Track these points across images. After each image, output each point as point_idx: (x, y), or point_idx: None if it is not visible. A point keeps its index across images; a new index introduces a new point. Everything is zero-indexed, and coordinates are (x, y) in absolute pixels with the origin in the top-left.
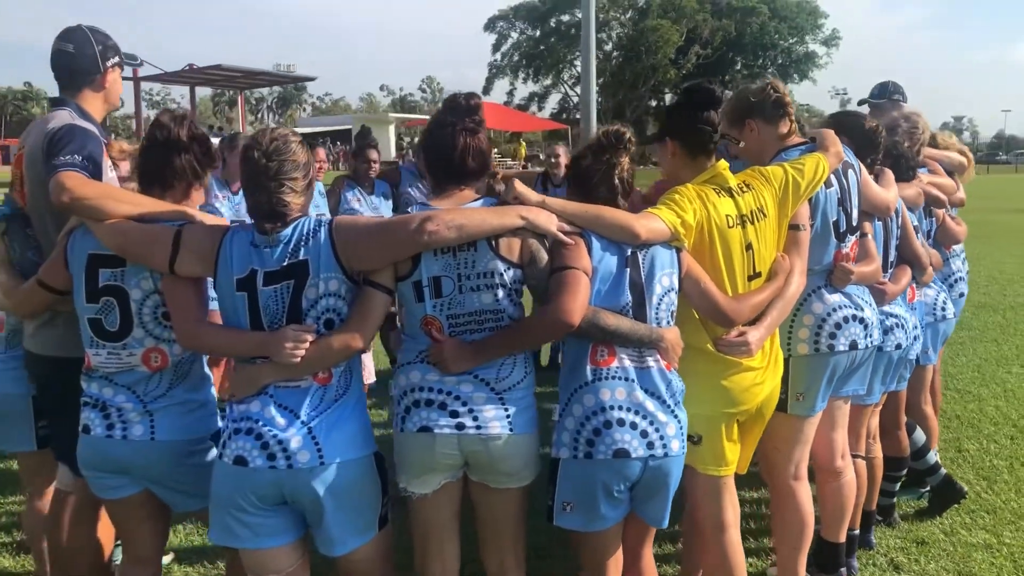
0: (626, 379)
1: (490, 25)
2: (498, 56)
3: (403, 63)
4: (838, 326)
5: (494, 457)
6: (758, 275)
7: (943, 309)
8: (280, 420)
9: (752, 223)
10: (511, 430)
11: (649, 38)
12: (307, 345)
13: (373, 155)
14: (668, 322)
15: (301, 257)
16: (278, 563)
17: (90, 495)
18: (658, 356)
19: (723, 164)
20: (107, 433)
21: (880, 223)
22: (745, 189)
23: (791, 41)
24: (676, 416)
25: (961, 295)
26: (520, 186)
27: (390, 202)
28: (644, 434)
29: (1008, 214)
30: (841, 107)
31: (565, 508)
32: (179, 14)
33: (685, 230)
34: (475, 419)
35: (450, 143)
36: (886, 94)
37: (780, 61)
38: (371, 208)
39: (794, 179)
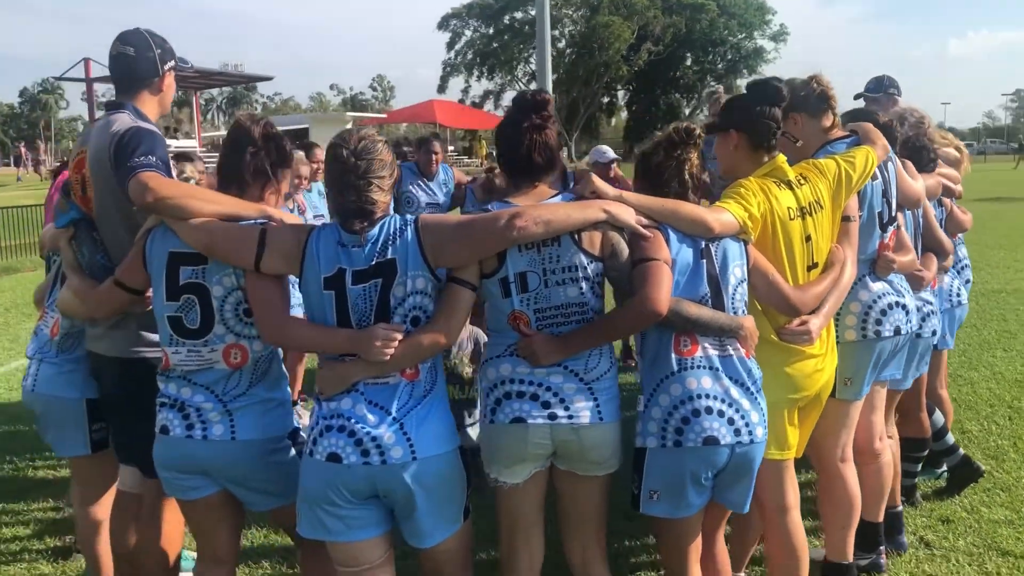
0: (711, 368)
1: (444, 23)
2: (452, 54)
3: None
4: (883, 313)
5: (584, 446)
6: (815, 265)
7: (958, 295)
8: (371, 417)
9: (810, 215)
10: (600, 419)
11: (601, 35)
12: (397, 343)
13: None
14: (743, 312)
15: (389, 256)
16: (369, 555)
17: (159, 497)
18: (737, 344)
19: (782, 158)
20: (187, 433)
21: (909, 213)
22: (803, 182)
23: (740, 37)
24: (758, 403)
25: (968, 281)
26: (598, 181)
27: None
28: (731, 421)
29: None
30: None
31: (652, 496)
32: (115, 13)
33: (752, 223)
34: (566, 409)
35: (518, 140)
36: (882, 88)
37: (730, 57)
38: (311, 204)
39: (846, 172)
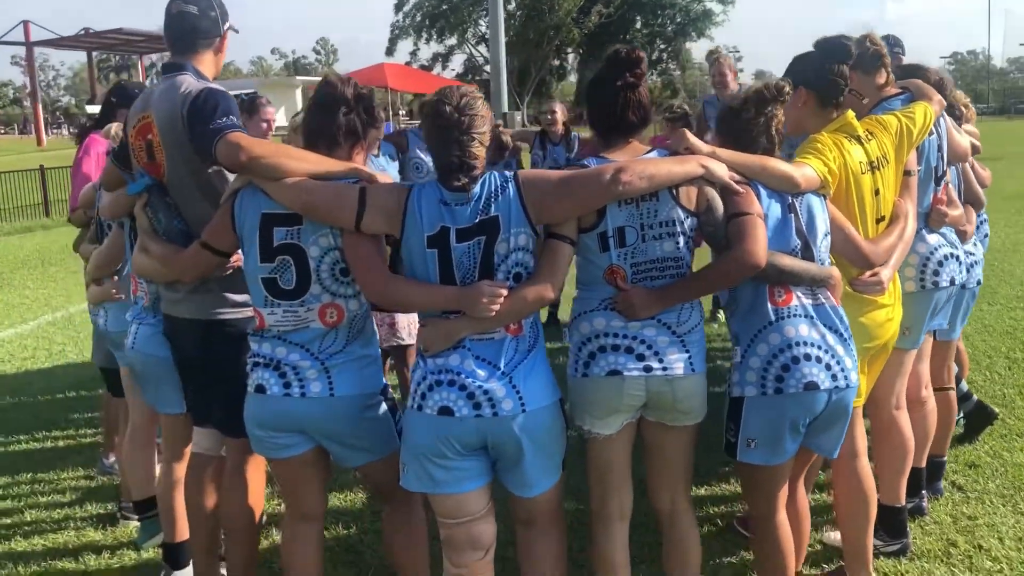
0: (806, 316)
1: None
2: (400, 16)
3: (293, 26)
4: (940, 264)
5: (678, 396)
6: (882, 218)
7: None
8: (481, 372)
9: (878, 169)
10: (692, 370)
11: None
12: (502, 299)
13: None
14: (829, 263)
15: (492, 213)
16: (474, 505)
17: (244, 456)
18: (828, 293)
19: (851, 114)
20: (284, 392)
21: (953, 168)
22: (870, 137)
23: (688, 0)
24: (851, 349)
25: (986, 236)
26: (692, 137)
27: (396, 164)
28: (828, 367)
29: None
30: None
31: (749, 444)
32: None
33: (831, 177)
34: (660, 361)
35: (612, 98)
36: (888, 48)
37: (679, 20)
38: (379, 168)
39: (907, 127)
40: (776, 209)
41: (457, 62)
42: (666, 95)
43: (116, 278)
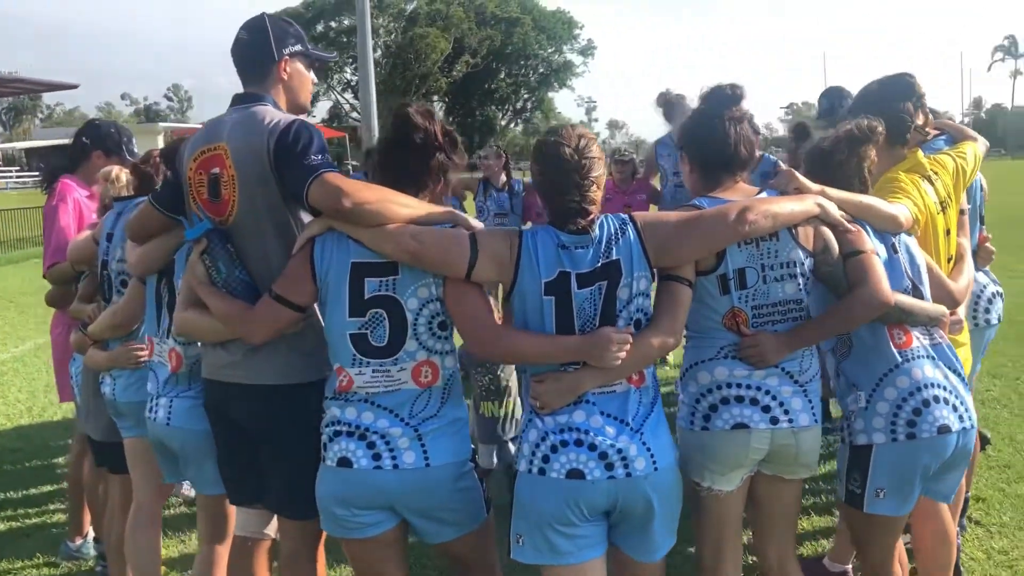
0: (928, 356)
1: None
2: None
3: (143, 72)
4: (990, 301)
5: (801, 449)
6: (950, 258)
7: None
8: (610, 429)
9: (947, 209)
10: (815, 420)
11: (418, 46)
12: (628, 347)
13: None
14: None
15: (613, 256)
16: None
17: (303, 543)
18: (942, 332)
19: (920, 153)
20: (375, 464)
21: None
22: (936, 177)
23: (550, 51)
24: (967, 388)
25: None
26: (800, 176)
27: None
28: (955, 408)
29: None
30: (587, 114)
31: (878, 495)
32: None
33: (921, 217)
34: (786, 412)
35: (722, 134)
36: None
37: (541, 70)
38: None
39: (962, 166)
40: (882, 249)
41: (322, 108)
42: (530, 145)
43: (133, 342)
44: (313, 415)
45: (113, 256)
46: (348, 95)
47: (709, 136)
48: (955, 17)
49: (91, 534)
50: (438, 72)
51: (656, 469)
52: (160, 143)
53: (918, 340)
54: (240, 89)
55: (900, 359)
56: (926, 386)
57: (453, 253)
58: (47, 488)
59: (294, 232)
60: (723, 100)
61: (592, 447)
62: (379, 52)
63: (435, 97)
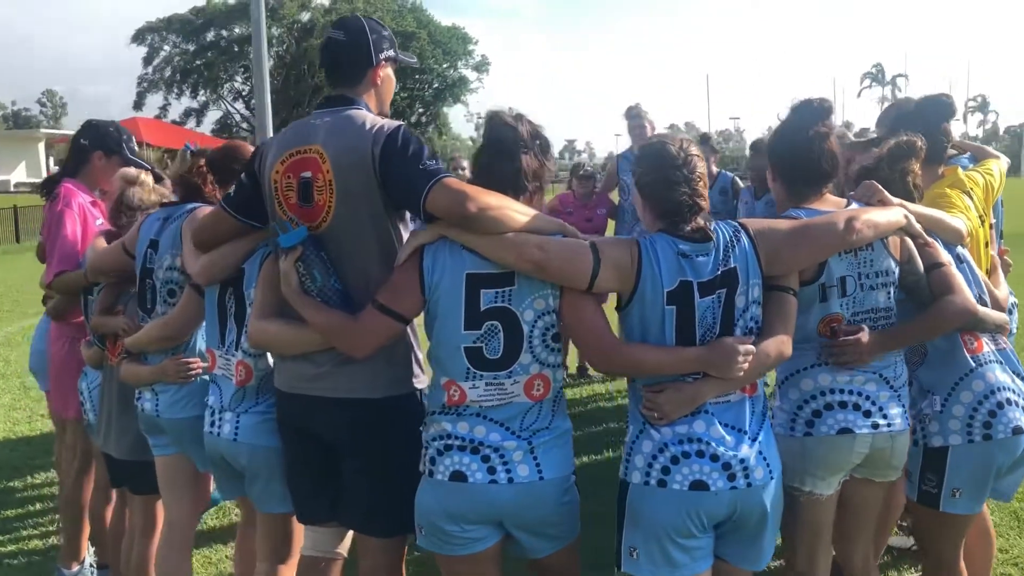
0: (997, 361)
1: (139, 37)
2: (150, 70)
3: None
4: (1010, 312)
5: (895, 452)
6: (988, 270)
7: None
8: (729, 438)
9: (984, 222)
10: (907, 424)
11: (313, 57)
12: (751, 357)
13: None
14: None
15: (731, 264)
16: None
17: (387, 560)
18: (1004, 338)
19: (959, 168)
20: (490, 478)
21: None
22: (972, 192)
23: (445, 66)
24: None
25: None
26: (882, 188)
27: None
28: None
29: None
30: (476, 130)
31: (955, 494)
32: None
33: (973, 231)
34: (884, 417)
35: (808, 147)
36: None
37: (436, 85)
38: None
39: (990, 183)
40: (950, 260)
41: (212, 118)
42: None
43: (182, 354)
44: (402, 429)
45: (160, 265)
46: (239, 105)
47: (799, 149)
48: (829, 45)
49: (88, 559)
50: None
51: (772, 478)
52: (41, 151)
53: (987, 345)
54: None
55: (973, 364)
56: (999, 389)
57: (577, 263)
58: (29, 508)
59: (392, 240)
60: (812, 114)
61: (714, 457)
62: (272, 63)
63: None
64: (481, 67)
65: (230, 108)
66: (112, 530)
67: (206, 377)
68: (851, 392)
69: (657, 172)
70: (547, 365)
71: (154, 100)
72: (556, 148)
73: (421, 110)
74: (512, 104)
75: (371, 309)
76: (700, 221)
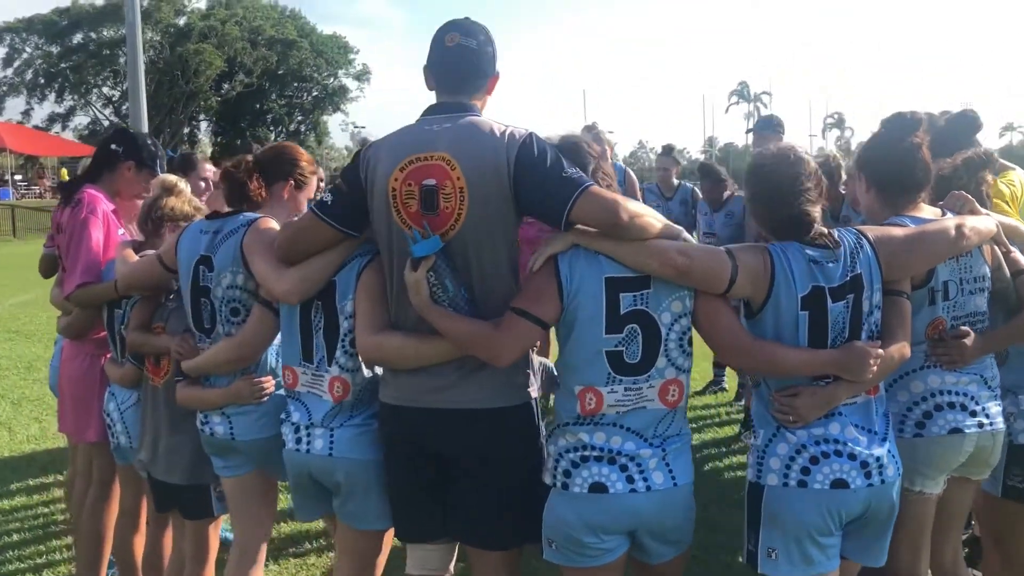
0: None
1: None
2: (10, 72)
3: None
4: None
5: (994, 452)
6: None
7: None
8: (862, 438)
9: None
10: (1005, 423)
11: (190, 62)
12: (880, 360)
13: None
14: None
15: (857, 270)
16: None
17: (501, 572)
18: None
19: (999, 181)
20: (630, 487)
21: None
22: (1011, 203)
23: (325, 75)
24: None
25: None
26: (972, 199)
27: None
28: None
29: None
30: (352, 139)
31: None
32: None
33: None
34: (987, 416)
35: (910, 158)
36: (771, 127)
37: (316, 93)
38: None
39: (1013, 193)
40: None
41: (79, 123)
42: None
43: (253, 374)
44: (524, 438)
45: (218, 283)
46: (108, 111)
47: (896, 160)
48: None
49: None
50: (209, 91)
51: (899, 475)
52: None
53: None
54: None
55: None
56: None
57: (717, 269)
58: (25, 536)
59: (517, 248)
60: (906, 126)
61: (852, 456)
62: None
63: (201, 116)
64: (362, 76)
65: (99, 114)
66: (147, 561)
67: (280, 393)
68: (958, 393)
69: (770, 180)
70: (681, 370)
71: (15, 104)
72: None
73: (300, 118)
74: (393, 117)
75: (514, 316)
76: (824, 228)
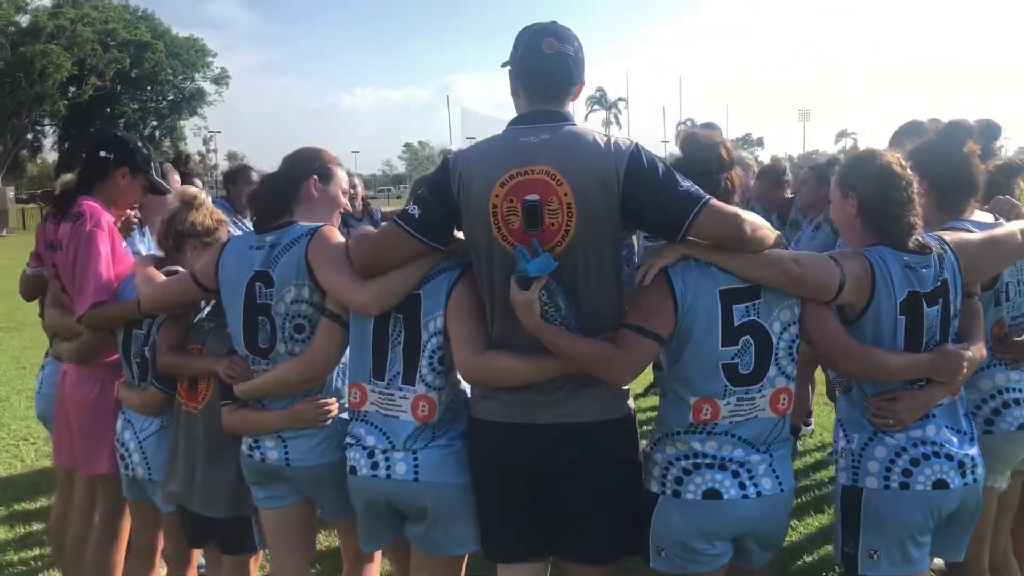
0: None
1: None
2: None
3: None
4: None
5: None
6: None
7: None
8: (954, 439)
9: None
10: None
11: (36, 64)
12: (969, 361)
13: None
14: None
15: (944, 275)
16: None
17: None
18: None
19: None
20: (742, 493)
21: None
22: None
23: (181, 78)
24: None
25: None
26: (1019, 203)
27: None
28: None
29: None
30: (204, 144)
31: None
32: None
33: None
34: None
35: (968, 164)
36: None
37: (172, 97)
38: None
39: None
40: None
41: None
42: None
43: (318, 395)
44: (630, 449)
45: (280, 298)
46: None
47: (955, 166)
48: None
49: None
50: (57, 94)
51: (984, 472)
52: None
53: None
54: None
55: None
56: None
57: (827, 277)
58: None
59: (621, 264)
60: (964, 133)
61: (949, 457)
62: None
63: (47, 121)
64: (220, 80)
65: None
66: None
67: (344, 415)
68: (1020, 390)
69: (890, 190)
70: (790, 378)
71: None
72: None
73: (155, 123)
74: (252, 119)
75: (631, 333)
76: (920, 239)
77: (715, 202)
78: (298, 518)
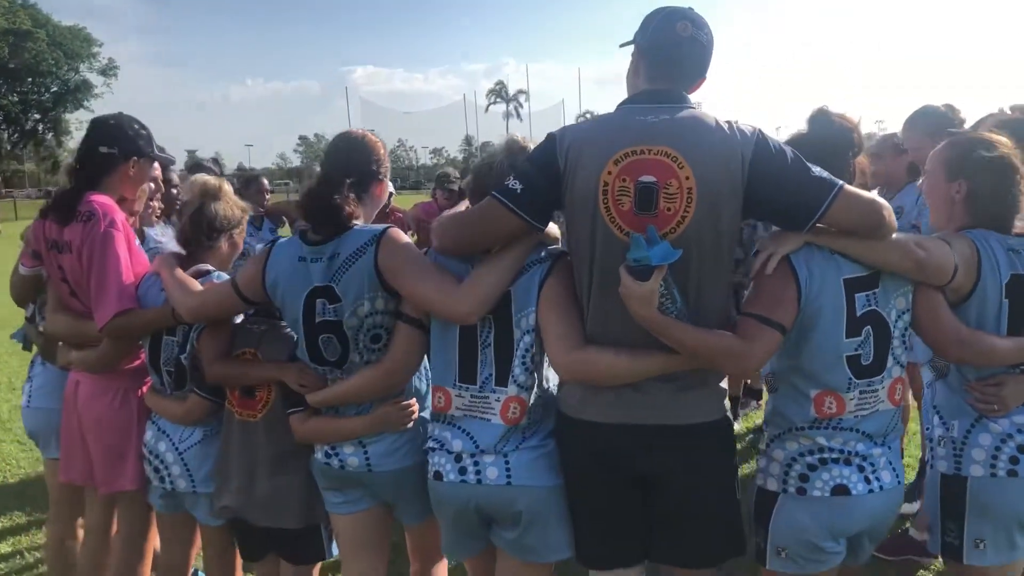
0: None
1: None
2: None
3: None
4: None
5: None
6: None
7: None
8: None
9: None
10: None
11: None
12: None
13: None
14: None
15: None
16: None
17: None
18: None
19: None
20: (868, 488)
21: None
22: None
23: (65, 69)
24: None
25: None
26: None
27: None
28: None
29: None
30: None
31: None
32: None
33: None
34: None
35: (1014, 175)
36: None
37: (55, 89)
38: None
39: None
40: None
41: None
42: (44, 168)
43: (400, 398)
44: (729, 451)
45: (355, 312)
46: None
47: (1000, 178)
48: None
49: None
50: None
51: None
52: None
53: None
54: None
55: None
56: None
57: (946, 260)
58: None
59: (735, 250)
60: (1000, 144)
61: (1021, 448)
62: None
63: None
64: (108, 71)
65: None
66: None
67: (425, 415)
68: None
69: (1004, 176)
70: (903, 367)
71: None
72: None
73: (38, 116)
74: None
75: (756, 323)
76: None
77: (849, 188)
78: (374, 522)
